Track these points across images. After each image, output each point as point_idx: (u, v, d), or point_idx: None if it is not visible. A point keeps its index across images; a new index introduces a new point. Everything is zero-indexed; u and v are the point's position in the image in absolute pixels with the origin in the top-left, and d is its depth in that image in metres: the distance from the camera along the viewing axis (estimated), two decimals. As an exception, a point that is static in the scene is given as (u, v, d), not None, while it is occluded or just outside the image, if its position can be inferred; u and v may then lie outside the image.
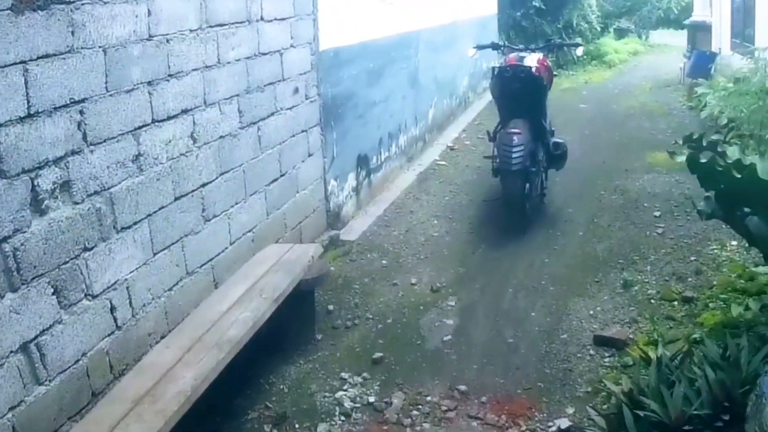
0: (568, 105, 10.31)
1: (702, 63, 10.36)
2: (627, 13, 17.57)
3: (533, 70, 5.52)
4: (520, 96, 5.56)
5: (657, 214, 5.84)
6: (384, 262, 5.13)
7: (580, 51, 6.61)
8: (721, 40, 10.50)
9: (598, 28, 15.05)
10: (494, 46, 6.50)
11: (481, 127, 8.88)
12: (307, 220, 5.10)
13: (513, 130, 5.34)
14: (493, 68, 5.75)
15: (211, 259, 3.86)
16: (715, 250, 5.10)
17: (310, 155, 5.10)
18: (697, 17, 12.02)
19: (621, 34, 16.99)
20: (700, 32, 11.49)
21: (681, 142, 3.51)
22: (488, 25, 11.07)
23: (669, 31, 18.42)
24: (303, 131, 4.97)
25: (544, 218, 5.85)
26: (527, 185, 5.41)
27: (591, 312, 4.33)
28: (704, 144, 3.29)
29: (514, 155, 5.21)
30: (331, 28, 5.27)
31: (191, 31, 3.64)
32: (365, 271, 4.99)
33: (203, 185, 3.78)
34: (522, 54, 5.97)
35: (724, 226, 5.38)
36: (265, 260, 3.97)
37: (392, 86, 6.75)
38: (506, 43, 6.49)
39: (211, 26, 3.81)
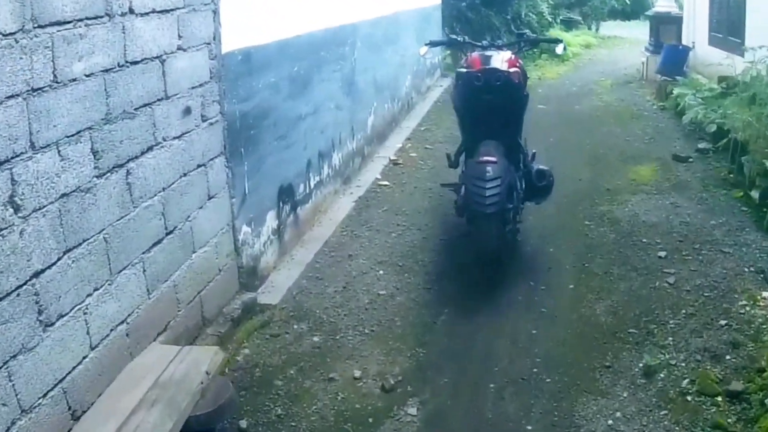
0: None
1: (674, 59, 9.35)
2: (576, 4, 16.58)
3: (512, 76, 4.27)
4: (494, 111, 4.35)
5: (662, 254, 4.70)
6: (316, 339, 3.85)
7: (560, 49, 5.44)
8: (694, 33, 9.50)
9: (549, 19, 13.98)
10: (452, 43, 5.28)
11: (428, 135, 7.73)
12: (211, 285, 3.79)
13: (486, 159, 4.13)
14: (457, 74, 4.52)
15: (60, 381, 2.62)
16: (747, 307, 4.00)
17: (211, 198, 3.78)
18: (661, 8, 11.03)
19: (569, 25, 16.01)
20: (664, 24, 10.49)
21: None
22: (431, 17, 9.87)
23: (620, 23, 17.53)
24: (200, 166, 3.65)
25: (521, 264, 4.65)
26: (505, 228, 4.19)
27: (609, 421, 3.15)
28: None
29: (488, 193, 4.00)
30: (240, 23, 3.97)
31: (3, 35, 2.30)
32: (291, 355, 3.72)
33: (36, 275, 2.50)
34: (488, 53, 4.76)
35: (747, 269, 4.32)
36: (138, 379, 2.66)
37: (323, 94, 5.46)
38: (467, 38, 5.23)
39: (41, 26, 2.50)
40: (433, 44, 5.21)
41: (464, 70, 4.47)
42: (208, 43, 3.73)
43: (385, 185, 6.28)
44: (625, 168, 6.60)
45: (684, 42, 9.83)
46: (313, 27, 5.22)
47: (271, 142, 4.52)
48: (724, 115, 6.83)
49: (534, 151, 4.89)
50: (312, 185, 5.32)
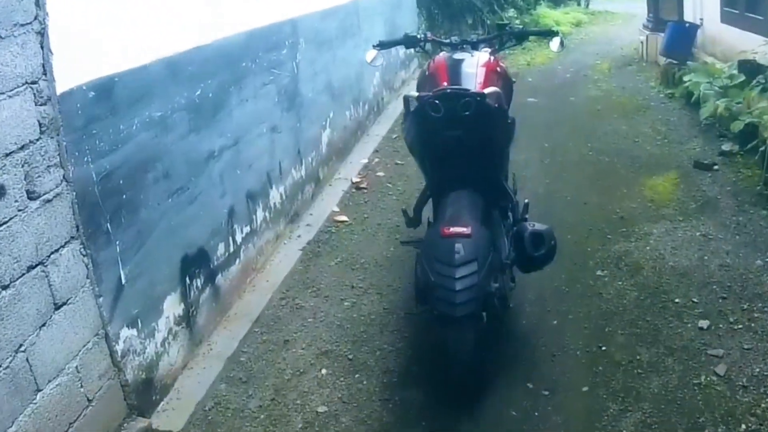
0: (513, 100, 7.86)
1: (681, 39, 8.09)
2: (563, -23, 15.26)
3: (488, 99, 3.02)
4: (465, 152, 3.09)
5: (703, 324, 3.52)
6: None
7: (555, 44, 4.08)
8: (702, 8, 8.19)
9: (535, -4, 12.67)
10: (410, 42, 3.98)
11: (400, 144, 6.40)
12: (78, 425, 2.58)
13: (455, 230, 2.86)
14: (406, 99, 3.22)
15: None
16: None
17: (60, 307, 2.60)
18: (660, -21, 9.69)
19: (557, 1, 14.63)
20: (663, -2, 9.17)
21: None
22: (403, 2, 8.54)
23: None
24: (33, 268, 2.44)
25: (515, 350, 3.43)
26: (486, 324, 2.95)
27: None
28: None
29: (459, 286, 2.76)
30: (92, 43, 2.76)
31: None
32: None
33: None
34: (458, 56, 3.60)
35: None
36: None
37: (248, 117, 4.23)
38: (429, 34, 3.97)
39: None
40: (383, 46, 3.95)
41: (415, 95, 3.16)
42: (33, 83, 2.48)
43: (343, 222, 5.03)
44: (639, 182, 5.36)
45: (689, 18, 8.51)
46: (227, 31, 3.93)
47: (162, 200, 3.27)
48: (751, 109, 5.58)
49: (527, 200, 3.64)
50: (239, 240, 4.07)
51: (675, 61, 7.91)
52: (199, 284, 3.62)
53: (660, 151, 6.05)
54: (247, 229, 4.20)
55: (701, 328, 3.46)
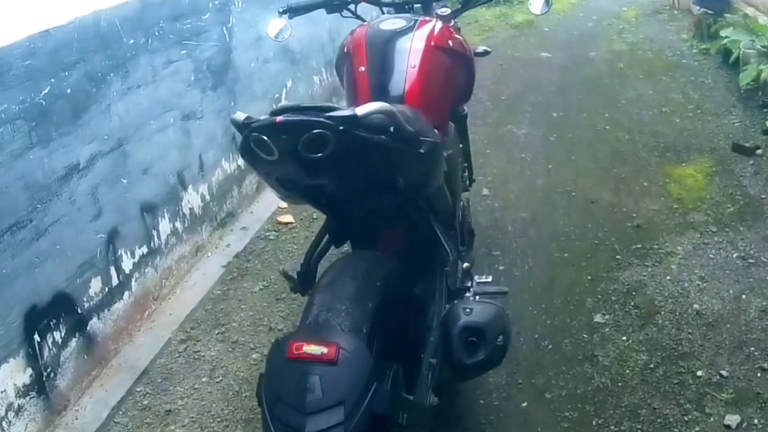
0: (524, 55, 6.72)
1: (718, -14, 6.77)
2: None
3: (373, 120, 1.70)
4: (355, 197, 1.98)
5: (731, 421, 2.51)
6: None
7: (537, 3, 2.89)
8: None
9: None
10: (333, 4, 2.85)
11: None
12: None
13: (311, 349, 1.62)
14: (234, 123, 1.81)
15: None
16: None
17: None
18: None
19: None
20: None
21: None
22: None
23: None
24: None
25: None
26: None
27: None
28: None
29: None
30: None
31: None
32: None
33: None
34: (390, 25, 2.52)
35: None
36: None
37: (141, 109, 3.23)
38: None
39: None
40: (293, 12, 2.81)
41: (241, 119, 1.75)
42: None
43: (287, 224, 4.01)
44: (663, 171, 4.25)
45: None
46: (103, 3, 2.87)
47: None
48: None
49: (466, 264, 2.36)
50: (128, 268, 3.10)
51: (710, 11, 6.64)
52: (57, 338, 2.69)
53: (691, 125, 4.89)
54: (141, 252, 3.21)
55: (728, 427, 2.40)
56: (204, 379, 2.87)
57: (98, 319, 2.95)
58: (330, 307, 1.72)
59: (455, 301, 2.00)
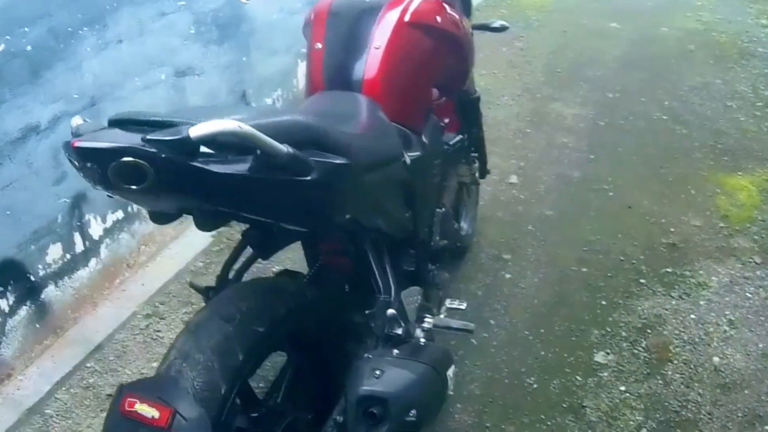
0: (591, 23, 6.14)
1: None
2: None
3: (231, 136, 1.19)
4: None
5: None
6: None
7: None
8: None
9: None
10: None
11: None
12: None
13: (143, 408, 1.29)
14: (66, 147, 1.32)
15: None
16: None
17: None
18: None
19: None
20: None
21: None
22: None
23: None
24: None
25: None
26: None
27: None
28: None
29: None
30: None
31: None
32: None
33: None
34: None
35: None
36: None
37: (122, 64, 2.89)
38: None
39: None
40: None
41: (72, 127, 1.34)
42: None
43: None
44: (715, 180, 3.76)
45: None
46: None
47: None
48: None
49: (394, 314, 1.79)
50: (97, 234, 2.91)
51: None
52: (4, 306, 2.50)
53: (756, 127, 4.33)
54: (116, 217, 2.93)
55: None
56: (154, 365, 2.59)
57: (55, 287, 2.71)
58: (187, 356, 1.38)
59: (369, 355, 1.60)
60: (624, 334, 2.67)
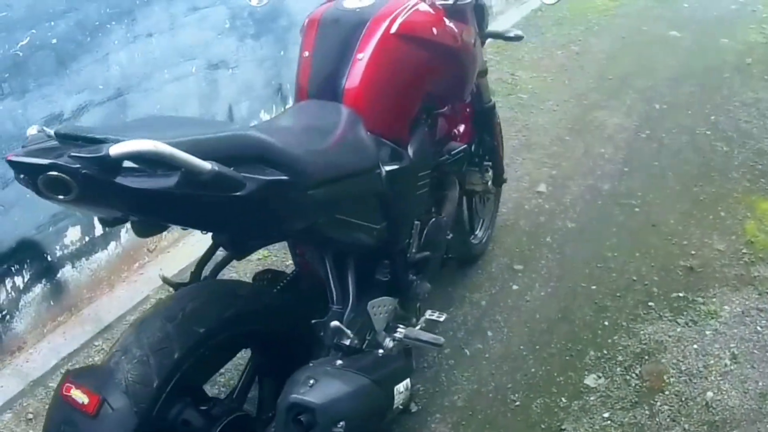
0: (651, 30, 6.01)
1: None
2: None
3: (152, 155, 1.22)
4: None
5: None
6: None
7: None
8: None
9: None
10: None
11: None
12: None
13: (79, 393, 1.40)
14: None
15: None
16: None
17: None
18: None
19: None
20: None
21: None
22: None
23: None
24: None
25: None
26: None
27: None
28: None
29: None
30: None
31: None
32: None
33: None
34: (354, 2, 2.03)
35: None
36: None
37: (151, 57, 2.99)
38: None
39: None
40: None
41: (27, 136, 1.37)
42: None
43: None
44: (747, 202, 3.65)
45: None
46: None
47: None
48: None
49: (337, 326, 1.75)
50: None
51: None
52: (18, 283, 2.62)
53: (803, 152, 4.17)
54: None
55: None
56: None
57: (72, 267, 2.81)
58: (126, 350, 1.47)
59: (311, 364, 1.64)
60: (620, 358, 2.63)
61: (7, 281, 2.54)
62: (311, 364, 1.61)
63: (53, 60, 2.48)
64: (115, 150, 1.14)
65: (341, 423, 1.51)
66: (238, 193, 1.30)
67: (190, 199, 1.27)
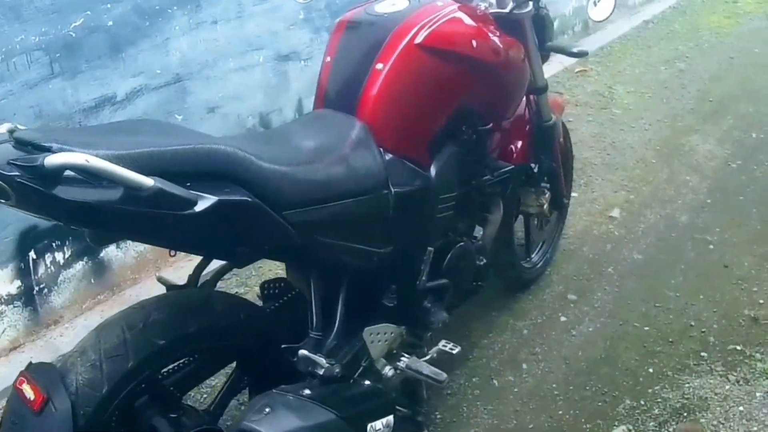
0: (763, 52, 5.60)
1: None
2: None
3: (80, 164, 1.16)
4: None
5: None
6: None
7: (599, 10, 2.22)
8: None
9: None
10: None
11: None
12: None
13: (24, 391, 1.40)
14: None
15: None
16: None
17: None
18: None
19: None
20: None
21: None
22: None
23: None
24: None
25: None
26: None
27: None
28: None
29: None
30: None
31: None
32: None
33: None
34: (385, 7, 1.94)
35: None
36: None
37: (214, 45, 2.98)
38: None
39: None
40: None
41: None
42: None
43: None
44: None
45: None
46: None
47: None
48: None
49: (306, 355, 1.67)
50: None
51: None
52: (59, 259, 2.64)
53: None
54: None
55: None
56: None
57: (117, 248, 2.80)
58: (83, 351, 1.45)
59: (276, 390, 1.55)
60: (657, 411, 2.41)
61: (47, 256, 2.55)
62: (274, 391, 1.52)
63: (108, 43, 2.46)
64: (49, 161, 1.10)
65: None
66: (186, 212, 1.23)
67: (138, 214, 1.21)
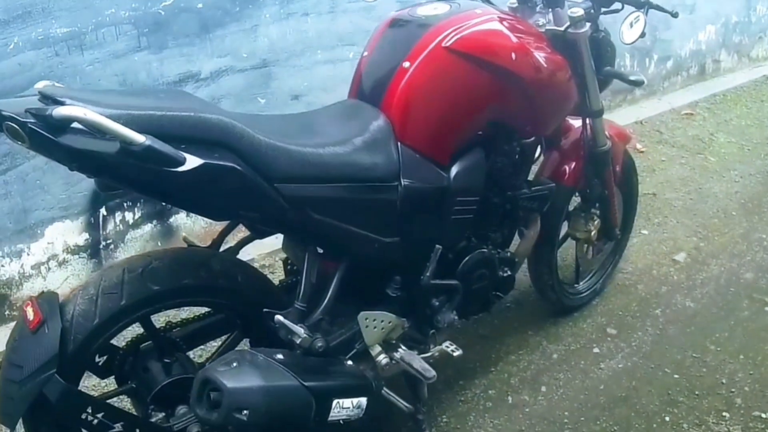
0: None
1: None
2: None
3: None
4: None
5: None
6: None
7: (635, 28, 2.17)
8: None
9: None
10: None
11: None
12: None
13: (27, 312, 1.64)
14: None
15: None
16: None
17: None
18: None
19: None
20: None
21: None
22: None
23: None
24: None
25: None
26: None
27: None
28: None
29: None
30: None
31: None
32: None
33: None
34: (425, 10, 2.01)
35: None
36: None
37: (303, 36, 3.10)
38: None
39: None
40: None
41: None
42: None
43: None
44: None
45: None
46: None
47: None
48: None
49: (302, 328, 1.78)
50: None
51: None
52: (129, 219, 2.82)
53: None
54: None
55: None
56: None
57: (187, 216, 2.94)
58: (87, 286, 1.63)
59: (253, 350, 1.68)
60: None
61: (117, 214, 2.71)
62: (248, 349, 1.62)
63: (196, 23, 2.60)
64: (57, 112, 1.26)
65: (245, 411, 1.51)
66: (175, 169, 1.36)
67: (133, 166, 1.35)
